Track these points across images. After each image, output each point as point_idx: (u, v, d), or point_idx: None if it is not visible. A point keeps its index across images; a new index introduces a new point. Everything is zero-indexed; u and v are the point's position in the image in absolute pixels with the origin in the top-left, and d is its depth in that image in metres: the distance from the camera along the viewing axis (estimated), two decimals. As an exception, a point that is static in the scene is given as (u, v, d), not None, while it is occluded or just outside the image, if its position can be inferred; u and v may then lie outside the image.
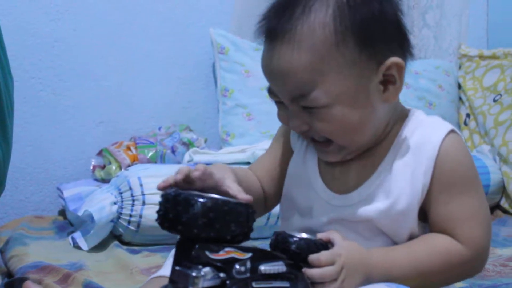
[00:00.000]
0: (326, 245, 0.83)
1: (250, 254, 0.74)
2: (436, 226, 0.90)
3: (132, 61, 2.19)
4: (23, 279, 1.26)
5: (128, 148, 1.98)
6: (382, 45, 0.87)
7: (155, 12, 2.22)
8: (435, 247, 0.88)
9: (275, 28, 0.87)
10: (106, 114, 2.15)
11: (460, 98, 2.51)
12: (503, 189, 2.14)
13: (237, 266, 0.72)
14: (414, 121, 0.93)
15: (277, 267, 0.75)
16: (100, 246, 1.60)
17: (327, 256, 0.81)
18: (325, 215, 0.94)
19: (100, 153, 2.03)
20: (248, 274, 0.73)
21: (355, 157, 0.94)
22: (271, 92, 0.91)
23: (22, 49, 2.01)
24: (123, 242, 1.65)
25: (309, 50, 0.84)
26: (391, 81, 0.88)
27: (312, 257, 0.80)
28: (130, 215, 1.61)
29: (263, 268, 0.74)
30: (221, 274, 0.71)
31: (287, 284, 0.76)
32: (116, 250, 1.57)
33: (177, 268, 0.73)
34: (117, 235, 1.67)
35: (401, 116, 0.95)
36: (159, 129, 2.15)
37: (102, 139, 2.10)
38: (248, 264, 0.73)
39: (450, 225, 0.88)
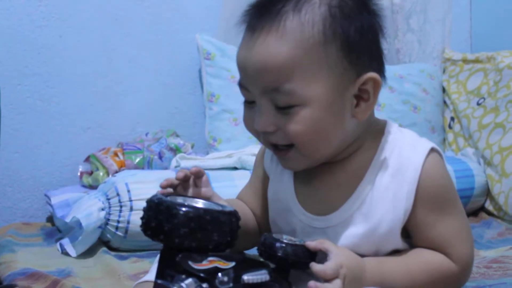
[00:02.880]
0: (314, 251, 0.84)
1: (233, 263, 0.74)
2: (425, 245, 0.91)
3: (118, 67, 2.20)
4: (11, 286, 1.27)
5: (116, 154, 1.99)
6: (364, 58, 0.88)
7: (141, 18, 2.23)
8: (429, 264, 0.89)
9: (263, 18, 0.86)
10: (93, 120, 2.15)
11: (445, 102, 2.53)
12: (487, 192, 2.16)
13: (220, 276, 0.72)
14: (391, 140, 0.92)
15: (260, 276, 0.75)
16: (89, 252, 1.60)
17: (332, 268, 0.80)
18: (308, 238, 0.93)
19: (87, 159, 2.04)
20: (231, 284, 0.73)
21: (328, 175, 0.93)
22: (242, 86, 0.90)
23: (8, 56, 2.01)
24: (111, 248, 1.65)
25: (293, 42, 0.84)
26: (364, 98, 0.88)
27: (318, 268, 0.80)
28: (118, 221, 1.61)
29: (246, 277, 0.74)
30: (204, 285, 0.71)
31: None
32: (104, 256, 1.57)
33: (159, 281, 0.73)
34: (105, 241, 1.67)
35: (376, 132, 0.94)
36: (146, 135, 2.16)
37: (89, 145, 2.10)
38: (231, 274, 0.73)
39: (441, 245, 0.90)
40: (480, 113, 2.29)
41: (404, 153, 0.90)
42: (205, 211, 0.73)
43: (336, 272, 0.80)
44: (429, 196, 0.89)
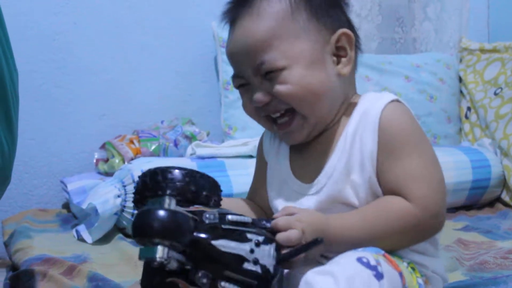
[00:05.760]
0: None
1: (217, 209, 0.80)
2: (386, 190, 0.92)
3: (134, 54, 2.20)
4: (28, 272, 1.28)
5: (131, 142, 1.99)
6: (333, 18, 0.98)
7: (157, 5, 2.23)
8: (386, 207, 0.90)
9: (238, 10, 0.99)
10: (109, 107, 2.16)
11: (461, 92, 2.52)
12: (504, 182, 2.15)
13: (207, 215, 0.77)
14: (362, 99, 0.98)
15: (243, 217, 0.80)
16: (104, 239, 1.61)
17: (282, 220, 0.83)
18: (302, 206, 0.96)
19: (103, 147, 2.04)
20: (217, 220, 0.77)
21: (317, 144, 0.99)
22: (235, 76, 1.00)
23: (23, 42, 2.01)
24: (127, 235, 1.66)
25: (267, 18, 0.95)
26: (342, 55, 0.98)
27: (272, 222, 0.84)
28: (134, 208, 1.62)
29: (230, 217, 0.79)
30: (193, 216, 0.76)
31: (253, 230, 0.80)
32: (120, 243, 1.58)
33: (150, 200, 0.78)
34: (121, 228, 1.68)
35: (355, 100, 1.00)
36: (162, 122, 2.16)
37: (105, 132, 2.11)
38: (217, 215, 0.78)
39: (398, 187, 0.90)
40: (497, 103, 2.28)
41: (370, 103, 0.96)
42: (194, 170, 0.80)
43: (288, 224, 0.83)
44: (388, 137, 0.91)
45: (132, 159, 1.89)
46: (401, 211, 0.88)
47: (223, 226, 0.77)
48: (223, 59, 2.20)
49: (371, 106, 0.94)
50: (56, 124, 2.09)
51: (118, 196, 1.62)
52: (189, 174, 0.79)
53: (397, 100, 0.95)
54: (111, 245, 1.58)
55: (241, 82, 0.99)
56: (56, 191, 2.06)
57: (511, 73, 2.30)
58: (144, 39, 2.22)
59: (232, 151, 1.85)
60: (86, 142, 2.11)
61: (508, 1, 2.67)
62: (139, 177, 0.81)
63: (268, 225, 0.83)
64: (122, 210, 1.63)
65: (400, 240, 0.90)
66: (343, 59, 0.98)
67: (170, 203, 0.75)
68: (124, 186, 1.64)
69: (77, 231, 1.63)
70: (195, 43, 2.30)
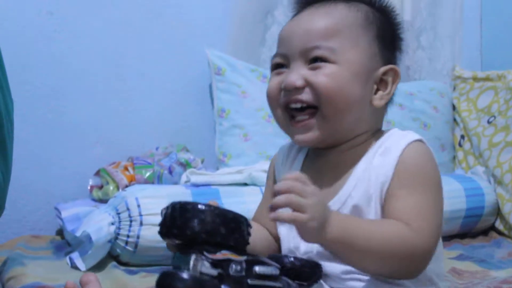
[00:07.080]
0: (318, 265, 0.89)
1: (245, 257, 0.78)
2: (388, 216, 0.93)
3: (129, 80, 2.20)
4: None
5: (126, 168, 1.99)
6: (390, 52, 1.02)
7: (152, 33, 2.24)
8: (394, 225, 0.90)
9: (313, 4, 1.02)
10: (104, 134, 2.16)
11: (455, 120, 2.53)
12: (497, 211, 2.15)
13: (233, 266, 0.76)
14: (387, 134, 1.00)
15: (271, 269, 0.80)
16: (98, 267, 1.60)
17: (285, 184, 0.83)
18: None
19: (97, 173, 2.04)
20: (243, 273, 0.77)
21: (331, 167, 1.00)
22: (278, 54, 1.01)
23: (19, 67, 2.01)
24: (121, 263, 1.65)
25: (339, 16, 0.98)
26: (381, 89, 1.00)
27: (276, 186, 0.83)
28: (128, 236, 1.61)
29: (257, 268, 0.78)
30: (219, 270, 0.75)
31: (279, 285, 0.80)
32: (114, 271, 1.57)
33: (177, 253, 0.78)
34: (114, 256, 1.67)
35: (379, 134, 1.02)
36: (156, 149, 2.16)
37: (99, 159, 2.09)
38: (244, 265, 0.77)
39: (403, 216, 0.91)
40: (491, 131, 2.29)
41: (394, 140, 0.98)
42: (227, 210, 0.78)
43: (290, 188, 0.81)
44: (404, 172, 0.94)
45: (126, 186, 1.89)
46: (404, 234, 0.89)
47: (249, 282, 0.77)
48: (217, 86, 2.21)
49: (395, 143, 0.96)
50: (51, 150, 2.08)
51: (112, 224, 1.62)
52: (220, 215, 0.77)
53: (420, 140, 0.97)
54: (104, 273, 1.57)
55: (280, 61, 1.00)
56: (50, 218, 2.05)
57: (503, 102, 2.32)
58: (141, 66, 2.22)
59: (227, 179, 1.85)
60: (81, 169, 2.09)
61: (500, 29, 2.69)
62: (167, 208, 0.79)
63: (288, 263, 0.84)
64: (116, 238, 1.62)
65: (390, 263, 0.90)
66: (380, 92, 1.00)
67: (197, 264, 0.73)
68: (118, 213, 1.64)
69: (70, 259, 1.62)
70: (190, 71, 2.30)
